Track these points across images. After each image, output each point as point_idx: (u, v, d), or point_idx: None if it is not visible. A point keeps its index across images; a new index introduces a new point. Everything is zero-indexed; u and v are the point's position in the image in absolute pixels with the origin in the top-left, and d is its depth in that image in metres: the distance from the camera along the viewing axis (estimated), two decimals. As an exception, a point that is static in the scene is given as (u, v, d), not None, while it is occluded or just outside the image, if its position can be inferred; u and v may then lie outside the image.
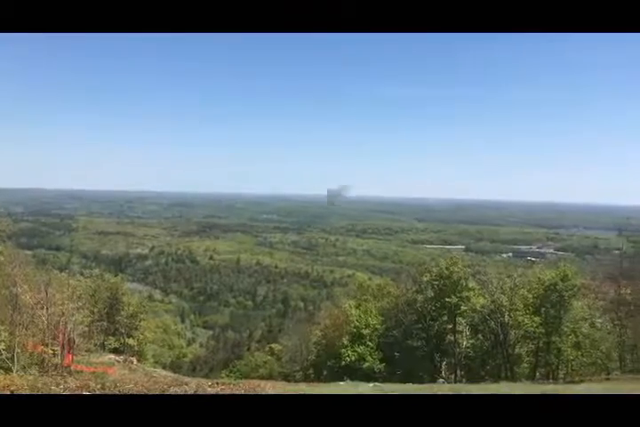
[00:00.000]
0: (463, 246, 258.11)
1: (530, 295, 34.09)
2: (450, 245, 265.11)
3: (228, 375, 55.63)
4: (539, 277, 34.53)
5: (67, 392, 13.22)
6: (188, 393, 14.18)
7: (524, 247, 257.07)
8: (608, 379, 25.10)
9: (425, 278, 37.67)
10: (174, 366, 76.28)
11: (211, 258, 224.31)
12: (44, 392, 12.80)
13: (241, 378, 38.84)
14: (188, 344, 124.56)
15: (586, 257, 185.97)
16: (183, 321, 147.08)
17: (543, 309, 33.39)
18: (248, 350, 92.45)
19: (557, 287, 32.81)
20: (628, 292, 30.97)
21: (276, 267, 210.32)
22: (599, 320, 34.22)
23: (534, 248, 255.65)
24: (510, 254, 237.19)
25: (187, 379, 21.03)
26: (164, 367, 58.14)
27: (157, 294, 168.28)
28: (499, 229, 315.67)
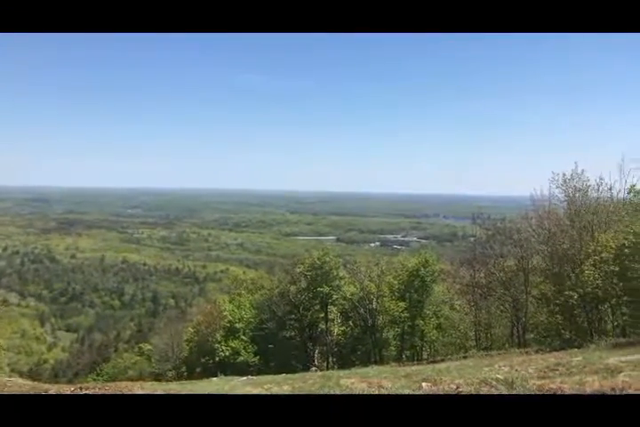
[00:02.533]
0: (335, 237, 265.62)
1: (395, 282, 35.66)
2: (322, 236, 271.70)
3: (94, 379, 52.37)
4: (403, 264, 36.28)
5: None
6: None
7: (390, 236, 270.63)
8: (466, 357, 26.95)
9: (298, 270, 38.04)
10: (34, 374, 71.43)
11: (72, 257, 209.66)
12: None
13: (109, 381, 36.72)
14: (49, 349, 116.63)
15: (445, 244, 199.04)
16: (43, 325, 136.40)
17: (408, 294, 35.13)
18: (116, 351, 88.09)
19: (420, 273, 34.68)
20: (482, 275, 33.44)
21: (145, 264, 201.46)
22: (457, 302, 36.72)
23: (399, 237, 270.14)
24: (378, 243, 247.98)
25: (46, 386, 19.33)
26: (21, 375, 53.98)
27: (13, 298, 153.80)
28: (367, 220, 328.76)
